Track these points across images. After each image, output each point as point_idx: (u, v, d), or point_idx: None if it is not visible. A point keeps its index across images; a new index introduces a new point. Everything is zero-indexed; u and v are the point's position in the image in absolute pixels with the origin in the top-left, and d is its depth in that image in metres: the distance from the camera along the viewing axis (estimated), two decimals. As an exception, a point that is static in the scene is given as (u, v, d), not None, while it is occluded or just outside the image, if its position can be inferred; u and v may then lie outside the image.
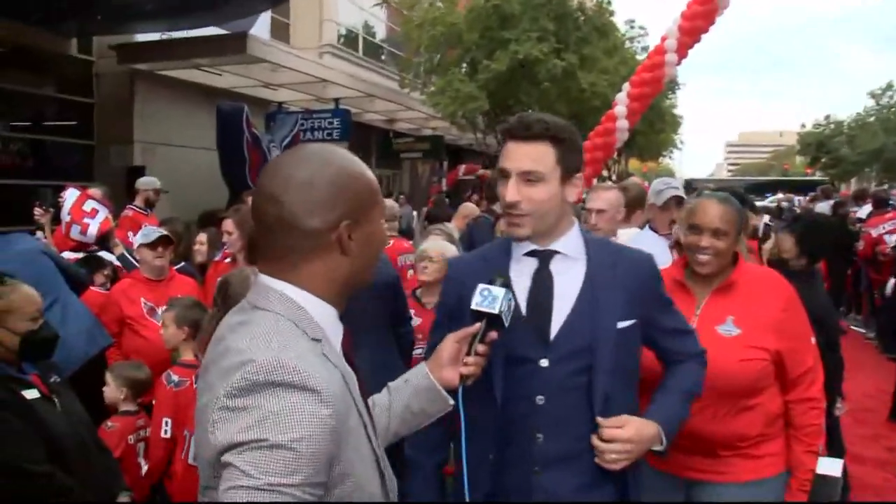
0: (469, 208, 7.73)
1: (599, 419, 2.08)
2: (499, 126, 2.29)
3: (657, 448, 2.14)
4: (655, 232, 4.51)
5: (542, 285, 2.17)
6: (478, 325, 1.89)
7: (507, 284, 1.94)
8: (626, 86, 13.36)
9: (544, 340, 2.13)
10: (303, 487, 1.27)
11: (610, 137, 13.24)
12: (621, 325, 2.14)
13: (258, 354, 1.33)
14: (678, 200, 4.44)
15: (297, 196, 1.43)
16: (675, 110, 35.69)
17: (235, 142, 10.20)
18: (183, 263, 5.66)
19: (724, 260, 2.82)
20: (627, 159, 40.79)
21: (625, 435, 2.06)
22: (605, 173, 39.47)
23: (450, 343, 1.91)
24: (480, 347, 1.88)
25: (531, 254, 2.21)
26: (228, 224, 5.03)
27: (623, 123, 13.19)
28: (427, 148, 22.45)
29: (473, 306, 1.90)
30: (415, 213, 18.66)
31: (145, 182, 8.31)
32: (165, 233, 4.96)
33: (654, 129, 30.42)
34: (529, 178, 2.09)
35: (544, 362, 2.12)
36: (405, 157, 23.12)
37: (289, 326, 1.42)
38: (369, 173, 1.55)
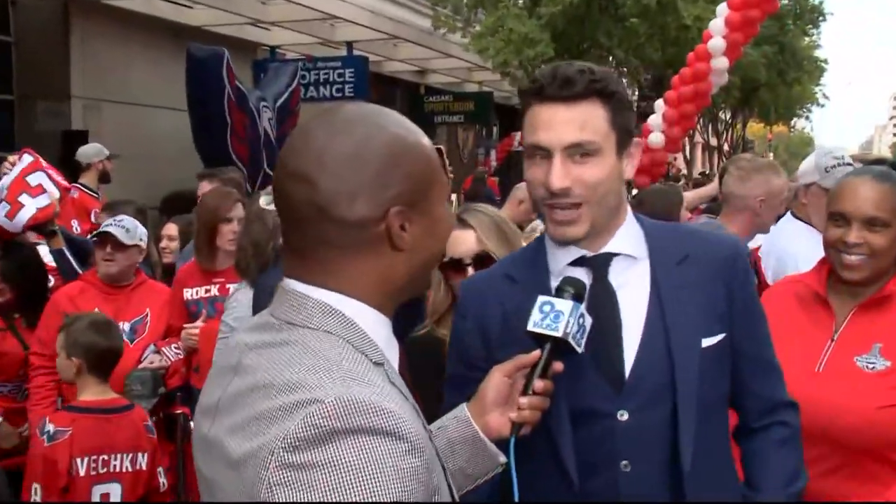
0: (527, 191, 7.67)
1: None
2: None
3: None
4: (807, 223, 4.46)
5: (604, 306, 2.12)
6: (536, 352, 1.88)
7: (579, 295, 1.93)
8: (723, 8, 12.97)
9: (618, 383, 2.10)
10: None
11: (702, 83, 13.00)
12: (708, 342, 2.11)
13: (325, 392, 1.35)
14: None
15: (337, 175, 1.47)
16: (817, 52, 35.07)
17: (212, 99, 10.27)
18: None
19: (884, 262, 2.77)
20: (746, 121, 40.33)
21: None
22: (713, 141, 39.07)
23: (497, 378, 1.90)
24: (539, 384, 1.87)
25: (579, 262, 2.17)
26: (171, 228, 5.08)
27: (720, 62, 12.89)
28: (470, 109, 22.40)
29: (530, 327, 1.89)
30: (453, 196, 18.63)
31: (89, 152, 8.34)
32: (107, 230, 4.97)
33: (786, 79, 29.95)
34: (580, 152, 2.06)
35: (623, 414, 2.09)
36: (441, 120, 23.08)
37: (346, 350, 1.45)
38: (425, 140, 1.60)
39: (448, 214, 1.63)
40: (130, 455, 4.02)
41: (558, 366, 1.89)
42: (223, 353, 1.60)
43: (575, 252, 2.15)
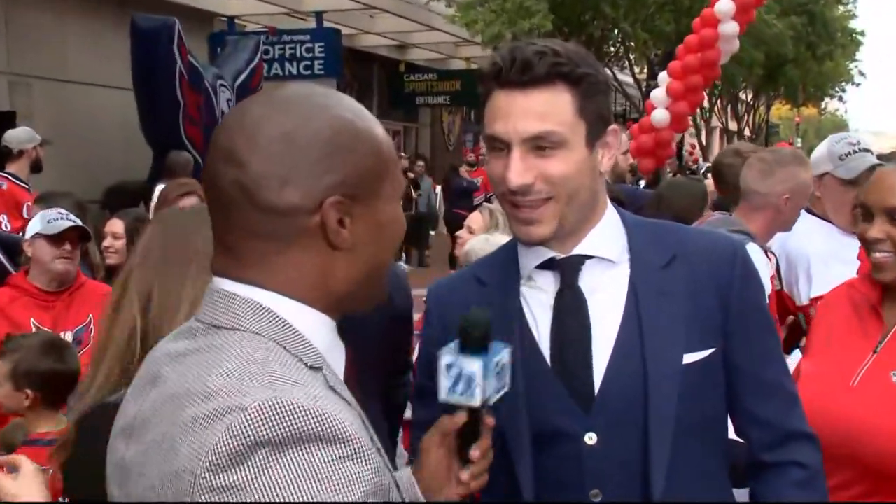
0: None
1: None
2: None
3: None
4: (826, 220, 4.49)
5: (570, 315, 2.13)
6: (461, 416, 1.83)
7: (486, 334, 1.83)
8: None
9: (586, 402, 2.10)
10: None
11: (710, 51, 13.05)
12: (691, 357, 2.11)
13: (247, 398, 1.34)
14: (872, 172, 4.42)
15: (269, 155, 1.47)
16: (853, 23, 35.18)
17: (162, 77, 10.27)
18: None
19: None
20: (770, 102, 40.46)
21: None
22: (732, 125, 39.15)
23: (434, 450, 1.88)
24: (475, 452, 1.85)
25: (547, 265, 2.18)
26: (116, 224, 5.05)
27: (729, 27, 12.97)
28: (456, 89, 22.44)
29: (444, 397, 1.83)
30: (438, 188, 18.60)
31: (19, 137, 8.30)
32: (79, 223, 4.99)
33: (816, 53, 30.04)
34: (541, 144, 2.06)
35: (591, 437, 2.10)
36: (423, 102, 23.11)
37: (275, 352, 1.45)
38: (379, 129, 1.61)
39: (398, 213, 1.63)
40: None
41: (490, 421, 1.86)
42: (145, 365, 1.59)
43: (544, 254, 2.16)
